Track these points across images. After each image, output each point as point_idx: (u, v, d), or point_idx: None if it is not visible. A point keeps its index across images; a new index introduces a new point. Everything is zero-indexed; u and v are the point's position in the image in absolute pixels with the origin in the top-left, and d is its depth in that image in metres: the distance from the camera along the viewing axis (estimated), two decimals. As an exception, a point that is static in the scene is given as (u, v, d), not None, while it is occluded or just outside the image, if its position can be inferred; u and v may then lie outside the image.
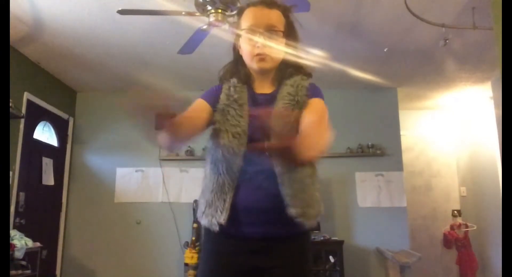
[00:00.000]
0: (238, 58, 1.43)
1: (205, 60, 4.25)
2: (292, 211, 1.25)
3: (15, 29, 3.62)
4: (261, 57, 1.34)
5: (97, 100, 5.33)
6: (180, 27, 3.46)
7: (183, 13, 2.92)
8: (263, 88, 1.41)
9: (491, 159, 5.27)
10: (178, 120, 1.13)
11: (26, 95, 4.23)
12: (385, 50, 4.10)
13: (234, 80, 1.39)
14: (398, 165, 5.09)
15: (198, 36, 3.16)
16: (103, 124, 5.26)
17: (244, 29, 1.36)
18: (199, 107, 1.36)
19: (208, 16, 2.87)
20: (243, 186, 1.29)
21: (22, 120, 4.14)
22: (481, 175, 5.63)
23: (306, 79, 1.39)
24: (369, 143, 5.08)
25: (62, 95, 5.04)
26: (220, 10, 2.82)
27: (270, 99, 1.36)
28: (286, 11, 1.40)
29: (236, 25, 1.43)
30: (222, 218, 1.27)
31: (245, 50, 1.37)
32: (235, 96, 1.35)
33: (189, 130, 1.29)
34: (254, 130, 1.27)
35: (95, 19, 3.51)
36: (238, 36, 1.40)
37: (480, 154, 5.64)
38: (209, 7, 2.82)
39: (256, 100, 1.38)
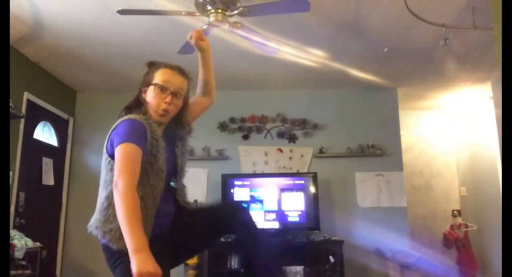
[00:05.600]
0: (141, 100, 1.70)
1: (205, 60, 4.26)
2: None
3: (15, 29, 3.62)
4: (164, 113, 1.65)
5: (97, 100, 5.33)
6: (180, 27, 3.46)
7: (183, 13, 2.92)
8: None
9: (491, 159, 5.27)
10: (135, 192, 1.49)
11: (26, 95, 4.23)
12: (385, 50, 4.10)
13: (151, 121, 1.62)
14: (398, 165, 5.09)
15: (198, 36, 3.16)
16: (103, 124, 5.17)
17: (157, 83, 1.66)
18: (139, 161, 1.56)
19: (208, 16, 2.87)
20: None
21: (22, 120, 4.13)
22: (481, 175, 5.63)
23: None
24: (369, 143, 5.08)
25: (62, 95, 5.04)
26: (220, 10, 2.82)
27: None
28: (189, 81, 1.79)
29: (148, 76, 1.73)
30: None
31: (153, 102, 1.65)
32: (157, 134, 1.61)
33: None
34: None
35: (95, 19, 3.51)
36: (147, 84, 1.70)
37: (480, 154, 5.64)
38: (209, 7, 2.82)
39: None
